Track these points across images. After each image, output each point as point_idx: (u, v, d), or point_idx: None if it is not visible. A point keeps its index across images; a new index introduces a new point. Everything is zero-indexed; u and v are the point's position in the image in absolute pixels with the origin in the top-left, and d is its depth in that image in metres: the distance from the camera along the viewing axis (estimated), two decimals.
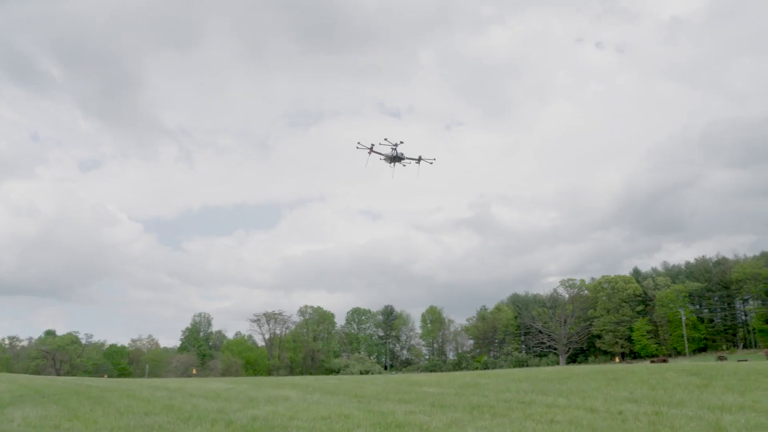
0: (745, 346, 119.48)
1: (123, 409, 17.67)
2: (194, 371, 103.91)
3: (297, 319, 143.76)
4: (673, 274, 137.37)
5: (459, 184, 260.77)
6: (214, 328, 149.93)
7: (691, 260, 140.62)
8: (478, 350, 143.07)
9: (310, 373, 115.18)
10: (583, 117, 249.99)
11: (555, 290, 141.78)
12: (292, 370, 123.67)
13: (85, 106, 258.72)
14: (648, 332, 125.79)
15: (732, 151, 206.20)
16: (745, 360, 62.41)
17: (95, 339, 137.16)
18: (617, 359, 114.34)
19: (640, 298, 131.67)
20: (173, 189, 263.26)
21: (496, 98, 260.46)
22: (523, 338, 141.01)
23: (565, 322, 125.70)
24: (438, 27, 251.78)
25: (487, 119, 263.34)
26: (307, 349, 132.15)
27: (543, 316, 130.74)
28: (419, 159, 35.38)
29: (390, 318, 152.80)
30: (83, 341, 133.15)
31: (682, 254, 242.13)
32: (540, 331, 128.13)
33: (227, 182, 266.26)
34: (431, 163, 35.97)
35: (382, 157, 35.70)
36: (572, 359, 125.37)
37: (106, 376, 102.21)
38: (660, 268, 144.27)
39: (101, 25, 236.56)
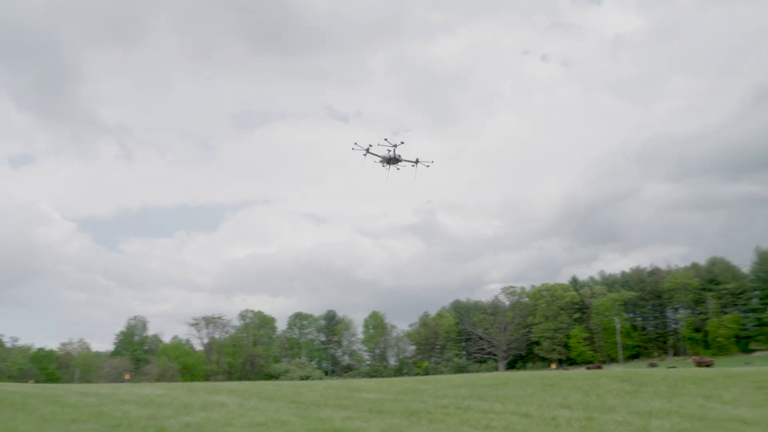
0: (675, 354, 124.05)
1: (47, 416, 16.93)
2: (127, 376, 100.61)
3: (237, 323, 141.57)
4: (610, 283, 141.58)
5: (405, 190, 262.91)
6: (151, 332, 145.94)
7: (627, 270, 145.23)
8: (419, 356, 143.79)
9: (249, 379, 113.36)
10: (527, 128, 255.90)
11: (496, 297, 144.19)
12: (230, 376, 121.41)
13: (18, 98, 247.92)
14: (584, 339, 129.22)
15: (667, 165, 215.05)
16: (674, 367, 64.77)
17: (22, 342, 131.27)
18: (554, 365, 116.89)
19: (578, 306, 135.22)
20: (111, 188, 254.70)
21: (444, 106, 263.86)
22: (464, 344, 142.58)
23: (505, 328, 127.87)
24: (388, 34, 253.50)
25: (435, 127, 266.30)
26: (247, 354, 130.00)
27: (484, 322, 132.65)
28: (416, 161, 34.53)
29: (332, 323, 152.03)
30: (8, 344, 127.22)
31: (618, 264, 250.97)
32: (480, 338, 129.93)
33: (169, 182, 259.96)
34: (428, 166, 35.03)
35: (378, 159, 34.37)
36: (511, 365, 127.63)
37: (32, 381, 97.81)
38: (597, 277, 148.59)
39: (38, 15, 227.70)
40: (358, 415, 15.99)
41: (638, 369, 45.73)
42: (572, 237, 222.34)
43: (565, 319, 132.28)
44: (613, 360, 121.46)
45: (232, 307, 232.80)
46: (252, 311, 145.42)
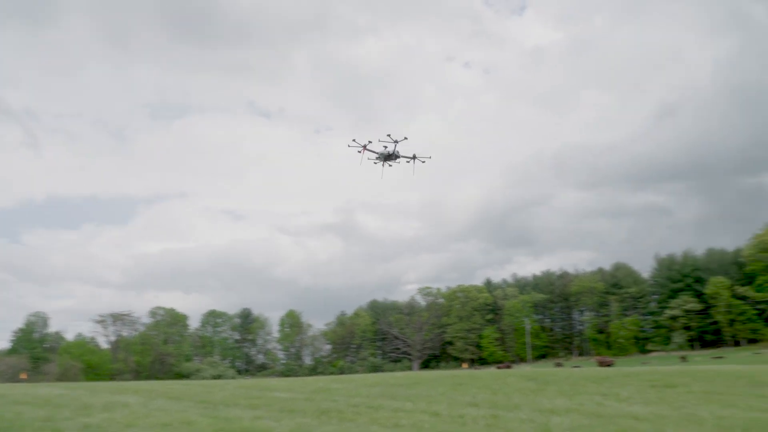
0: (580, 354, 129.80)
1: None
2: (24, 376, 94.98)
3: (147, 320, 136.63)
4: (521, 285, 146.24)
5: (326, 189, 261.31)
6: (52, 329, 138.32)
7: (538, 273, 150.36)
8: (335, 355, 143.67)
9: (158, 378, 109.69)
10: (448, 132, 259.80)
11: (413, 298, 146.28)
12: (138, 375, 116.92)
13: None
14: (496, 340, 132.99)
15: (578, 174, 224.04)
16: (578, 366, 67.80)
17: None
18: (465, 365, 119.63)
19: (491, 308, 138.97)
20: (14, 176, 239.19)
21: (367, 107, 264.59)
22: (379, 344, 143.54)
23: (420, 328, 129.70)
24: (314, 31, 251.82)
25: (357, 127, 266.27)
26: (156, 352, 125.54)
27: (400, 322, 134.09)
28: (414, 157, 33.71)
29: (247, 321, 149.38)
30: None
31: (530, 267, 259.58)
32: (396, 337, 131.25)
33: (77, 172, 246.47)
34: (424, 162, 34.21)
35: (376, 155, 33.45)
36: (425, 365, 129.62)
37: None
38: (510, 280, 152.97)
39: None
40: (268, 415, 15.79)
41: (545, 368, 47.49)
42: (488, 240, 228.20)
43: (478, 319, 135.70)
44: (522, 360, 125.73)
45: (142, 304, 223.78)
46: (163, 308, 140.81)
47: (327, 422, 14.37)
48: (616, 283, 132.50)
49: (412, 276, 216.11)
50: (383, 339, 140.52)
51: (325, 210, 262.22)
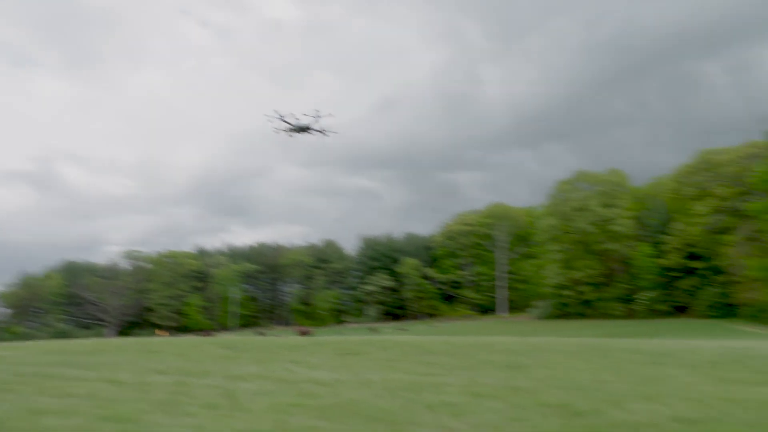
0: (286, 323, 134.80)
1: None
2: None
3: None
4: (235, 255, 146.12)
5: (23, 132, 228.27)
6: None
7: (254, 244, 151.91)
8: (15, 320, 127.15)
9: None
10: (173, 90, 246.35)
11: (114, 261, 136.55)
12: None
13: None
14: (201, 307, 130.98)
15: (299, 151, 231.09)
16: (279, 335, 70.22)
17: None
18: (161, 332, 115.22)
19: (199, 275, 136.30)
20: None
21: (84, 47, 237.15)
22: (72, 309, 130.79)
23: (119, 293, 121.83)
24: None
25: (69, 67, 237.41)
26: None
27: (97, 286, 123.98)
28: (322, 131, 34.95)
29: None
30: None
31: (245, 237, 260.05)
32: (90, 302, 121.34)
33: None
34: (328, 136, 35.55)
35: (290, 126, 34.43)
36: (124, 332, 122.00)
37: None
38: (224, 248, 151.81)
39: None
40: None
41: (245, 337, 48.13)
42: (204, 206, 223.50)
43: (184, 286, 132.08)
44: (226, 328, 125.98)
45: None
46: None
47: None
48: (324, 259, 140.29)
49: (118, 237, 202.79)
50: (76, 304, 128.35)
51: (18, 156, 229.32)
